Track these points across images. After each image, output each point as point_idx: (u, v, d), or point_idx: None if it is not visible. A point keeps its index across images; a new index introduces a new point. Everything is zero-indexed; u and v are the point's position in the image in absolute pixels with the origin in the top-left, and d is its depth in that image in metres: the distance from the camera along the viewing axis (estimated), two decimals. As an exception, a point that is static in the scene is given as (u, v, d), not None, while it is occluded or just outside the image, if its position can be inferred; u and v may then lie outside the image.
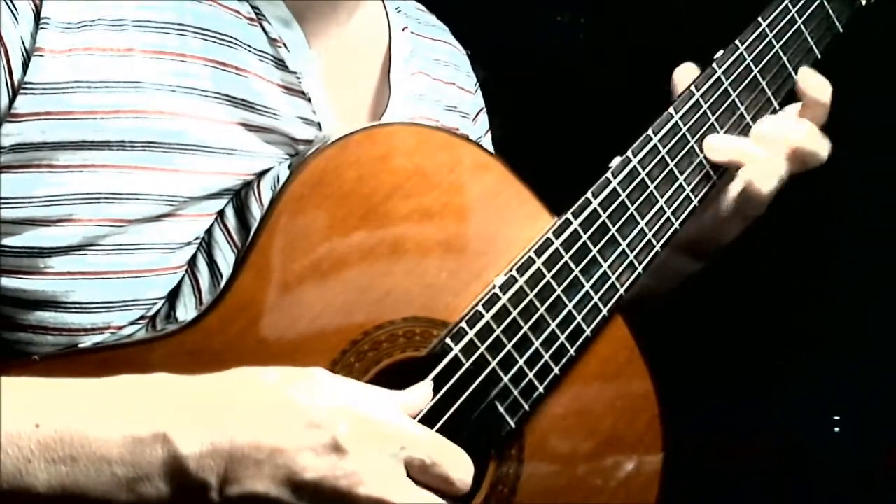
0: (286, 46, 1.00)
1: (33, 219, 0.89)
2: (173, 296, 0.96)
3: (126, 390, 0.80)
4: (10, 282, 0.91)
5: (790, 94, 1.15)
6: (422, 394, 0.91)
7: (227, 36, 0.97)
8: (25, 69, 0.87)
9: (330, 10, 1.05)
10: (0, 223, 0.89)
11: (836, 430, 1.59)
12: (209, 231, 0.97)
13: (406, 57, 1.15)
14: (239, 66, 0.98)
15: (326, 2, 1.05)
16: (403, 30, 1.17)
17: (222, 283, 0.93)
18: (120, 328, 0.94)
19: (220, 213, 0.97)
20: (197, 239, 0.97)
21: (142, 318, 0.95)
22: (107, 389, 0.80)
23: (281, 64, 1.00)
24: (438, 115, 1.19)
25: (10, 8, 0.86)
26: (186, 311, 0.96)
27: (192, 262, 0.97)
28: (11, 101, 0.86)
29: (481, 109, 1.29)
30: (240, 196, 0.98)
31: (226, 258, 0.95)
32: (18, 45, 0.86)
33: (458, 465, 0.87)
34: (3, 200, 0.88)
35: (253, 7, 0.99)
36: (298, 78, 1.01)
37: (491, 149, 1.31)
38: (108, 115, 0.90)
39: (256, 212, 0.95)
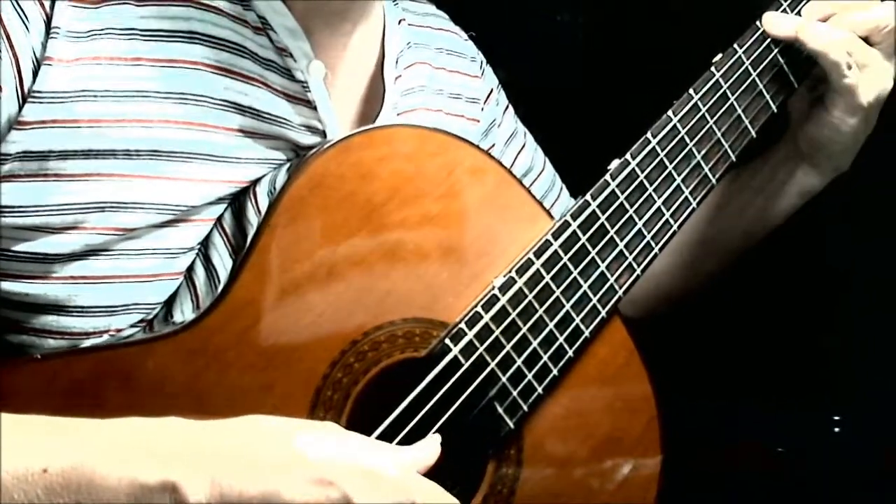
0: (292, 56, 1.01)
1: (41, 226, 0.90)
2: (170, 299, 0.97)
3: (134, 435, 0.79)
4: (15, 286, 0.91)
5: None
6: (430, 449, 0.89)
7: (235, 44, 0.98)
8: (35, 78, 0.87)
9: (337, 20, 1.05)
10: (8, 230, 0.89)
11: (836, 430, 1.59)
12: (207, 235, 0.98)
13: (401, 49, 1.14)
14: (246, 75, 0.98)
15: (333, 11, 1.05)
16: (400, 22, 1.16)
17: (221, 285, 0.93)
18: (119, 331, 0.95)
19: (219, 218, 0.98)
20: (199, 244, 0.98)
21: (141, 321, 0.96)
22: (117, 432, 0.79)
23: (287, 73, 1.01)
24: (442, 104, 1.18)
25: (21, 17, 0.86)
26: (182, 313, 0.96)
27: (188, 266, 0.97)
28: (20, 108, 0.87)
29: (492, 90, 1.28)
30: (238, 200, 0.98)
31: (223, 261, 0.96)
32: (29, 54, 0.87)
33: None
34: (11, 208, 0.89)
35: (259, 16, 1.00)
36: (304, 87, 1.01)
37: (518, 124, 1.32)
38: (112, 123, 0.91)
39: (252, 216, 0.95)
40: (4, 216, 0.89)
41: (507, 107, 1.31)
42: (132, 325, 0.95)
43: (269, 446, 0.80)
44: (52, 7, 0.88)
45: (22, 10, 0.87)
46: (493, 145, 1.25)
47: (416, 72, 1.16)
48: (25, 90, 0.87)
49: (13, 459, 0.74)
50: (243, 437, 0.80)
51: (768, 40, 1.13)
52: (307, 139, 1.02)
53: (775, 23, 1.13)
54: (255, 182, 0.98)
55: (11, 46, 0.86)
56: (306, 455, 0.79)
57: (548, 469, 1.03)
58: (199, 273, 0.97)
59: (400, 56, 1.14)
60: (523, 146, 1.31)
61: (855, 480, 1.53)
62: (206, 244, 0.97)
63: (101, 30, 0.90)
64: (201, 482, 0.75)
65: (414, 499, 0.82)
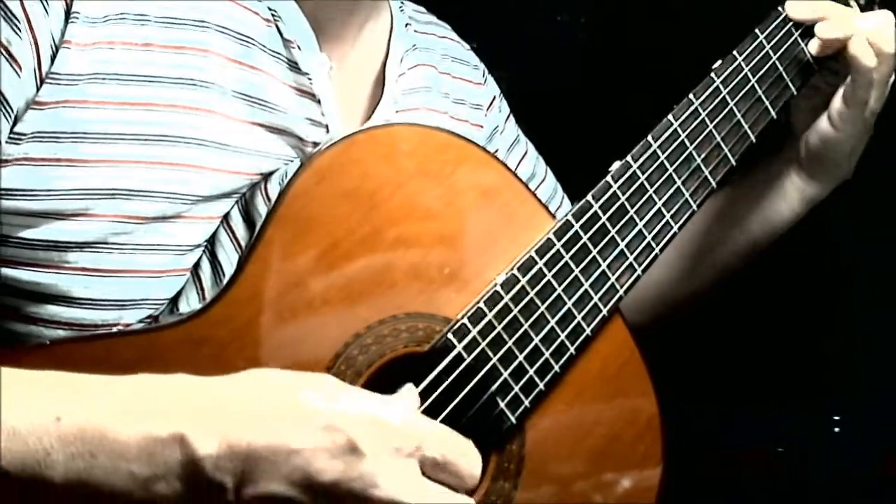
0: (299, 48, 1.02)
1: (52, 212, 0.91)
2: (176, 295, 0.98)
3: (146, 389, 0.81)
4: (27, 274, 0.93)
5: (786, 104, 1.18)
6: (411, 395, 0.91)
7: (245, 35, 1.00)
8: (53, 61, 0.89)
9: (346, 15, 1.08)
10: (20, 216, 0.91)
11: (836, 430, 1.60)
12: (214, 232, 0.99)
13: (407, 49, 1.16)
14: (255, 65, 1.00)
15: (342, 7, 1.07)
16: (407, 26, 1.18)
17: (227, 277, 0.95)
18: (128, 326, 0.96)
19: (226, 216, 1.00)
20: (206, 242, 0.99)
21: (149, 316, 0.97)
22: (127, 387, 0.80)
23: (293, 65, 1.03)
24: (447, 108, 1.20)
25: (41, 1, 0.88)
26: (189, 307, 0.98)
27: (195, 263, 0.99)
28: (38, 89, 0.89)
29: (495, 97, 1.30)
30: (245, 197, 1.00)
31: (229, 256, 0.97)
32: (48, 37, 0.89)
33: (469, 461, 0.87)
34: (24, 192, 0.90)
35: (270, 8, 1.02)
36: (310, 79, 1.03)
37: (519, 132, 1.34)
38: (121, 106, 0.92)
39: (263, 211, 0.96)
40: (17, 199, 0.90)
41: (509, 115, 1.33)
42: (141, 321, 0.96)
43: (276, 398, 0.81)
44: None
45: None
46: (497, 151, 1.26)
47: (420, 73, 1.17)
48: (43, 72, 0.89)
49: (28, 408, 0.76)
50: (250, 390, 0.82)
51: (768, 47, 1.14)
52: (309, 132, 1.04)
53: (797, 9, 1.17)
54: (266, 178, 1.00)
55: (31, 29, 0.88)
56: (312, 405, 0.81)
57: (550, 464, 1.04)
58: (206, 270, 0.98)
59: (405, 56, 1.15)
60: (525, 154, 1.32)
61: (855, 480, 1.54)
62: (212, 242, 0.99)
63: (117, 14, 0.92)
64: (210, 435, 0.77)
65: (421, 443, 0.84)
